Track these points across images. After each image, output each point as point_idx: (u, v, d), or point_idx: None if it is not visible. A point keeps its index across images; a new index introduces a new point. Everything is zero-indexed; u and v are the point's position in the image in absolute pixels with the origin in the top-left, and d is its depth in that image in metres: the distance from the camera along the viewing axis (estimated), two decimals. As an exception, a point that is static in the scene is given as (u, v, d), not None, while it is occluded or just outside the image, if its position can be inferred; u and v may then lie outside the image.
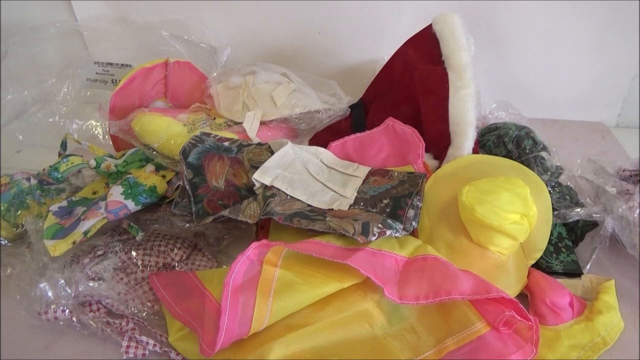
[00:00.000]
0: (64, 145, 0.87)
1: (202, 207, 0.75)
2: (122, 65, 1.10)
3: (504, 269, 0.66)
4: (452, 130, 0.79)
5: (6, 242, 0.76)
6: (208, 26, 1.08)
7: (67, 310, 0.63)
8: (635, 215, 0.70)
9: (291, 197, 0.72)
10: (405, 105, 0.90)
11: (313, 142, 0.94)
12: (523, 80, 1.10)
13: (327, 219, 0.65)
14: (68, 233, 0.70)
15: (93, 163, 0.81)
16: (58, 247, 0.68)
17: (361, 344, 0.58)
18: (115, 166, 0.83)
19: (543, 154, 0.83)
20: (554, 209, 0.73)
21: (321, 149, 0.84)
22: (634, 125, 1.14)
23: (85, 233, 0.70)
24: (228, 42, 1.09)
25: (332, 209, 0.71)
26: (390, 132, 0.85)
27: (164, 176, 0.82)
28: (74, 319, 0.64)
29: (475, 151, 0.80)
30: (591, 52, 1.05)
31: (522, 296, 0.68)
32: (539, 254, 0.70)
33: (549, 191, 0.74)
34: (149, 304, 0.68)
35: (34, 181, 0.80)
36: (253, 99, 0.93)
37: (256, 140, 0.89)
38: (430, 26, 0.87)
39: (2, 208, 0.76)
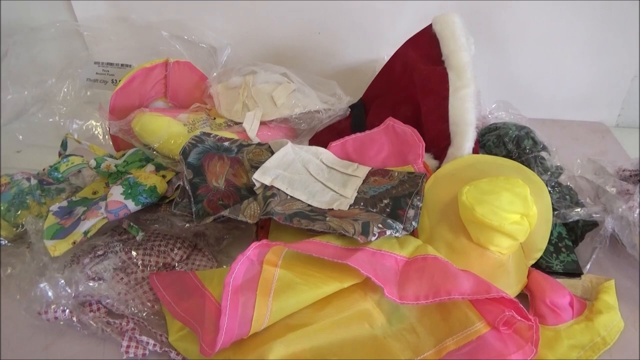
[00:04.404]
0: (64, 145, 0.87)
1: (202, 207, 0.75)
2: (122, 65, 1.10)
3: (504, 269, 0.66)
4: (452, 130, 0.79)
5: (6, 242, 0.76)
6: (208, 26, 1.08)
7: (67, 310, 0.63)
8: (635, 215, 0.70)
9: (291, 197, 0.72)
10: (405, 105, 0.90)
11: (313, 142, 0.94)
12: (523, 80, 1.10)
13: (327, 219, 0.65)
14: (68, 233, 0.70)
15: (93, 163, 0.81)
16: (58, 247, 0.68)
17: (361, 344, 0.58)
18: (115, 166, 0.83)
19: (543, 154, 0.83)
20: (554, 209, 0.73)
21: (321, 149, 0.84)
22: (634, 125, 1.14)
23: (85, 233, 0.70)
24: (228, 42, 1.09)
25: (332, 209, 0.71)
26: (390, 132, 0.85)
27: (164, 176, 0.82)
28: (74, 319, 0.63)
29: (475, 151, 0.80)
30: (591, 52, 1.05)
31: (522, 296, 0.68)
32: (539, 254, 0.70)
33: (549, 191, 0.74)
34: (149, 304, 0.68)
35: (34, 181, 0.80)
36: (253, 99, 0.93)
37: (256, 140, 0.89)
38: (430, 26, 0.87)
39: (2, 208, 0.76)
